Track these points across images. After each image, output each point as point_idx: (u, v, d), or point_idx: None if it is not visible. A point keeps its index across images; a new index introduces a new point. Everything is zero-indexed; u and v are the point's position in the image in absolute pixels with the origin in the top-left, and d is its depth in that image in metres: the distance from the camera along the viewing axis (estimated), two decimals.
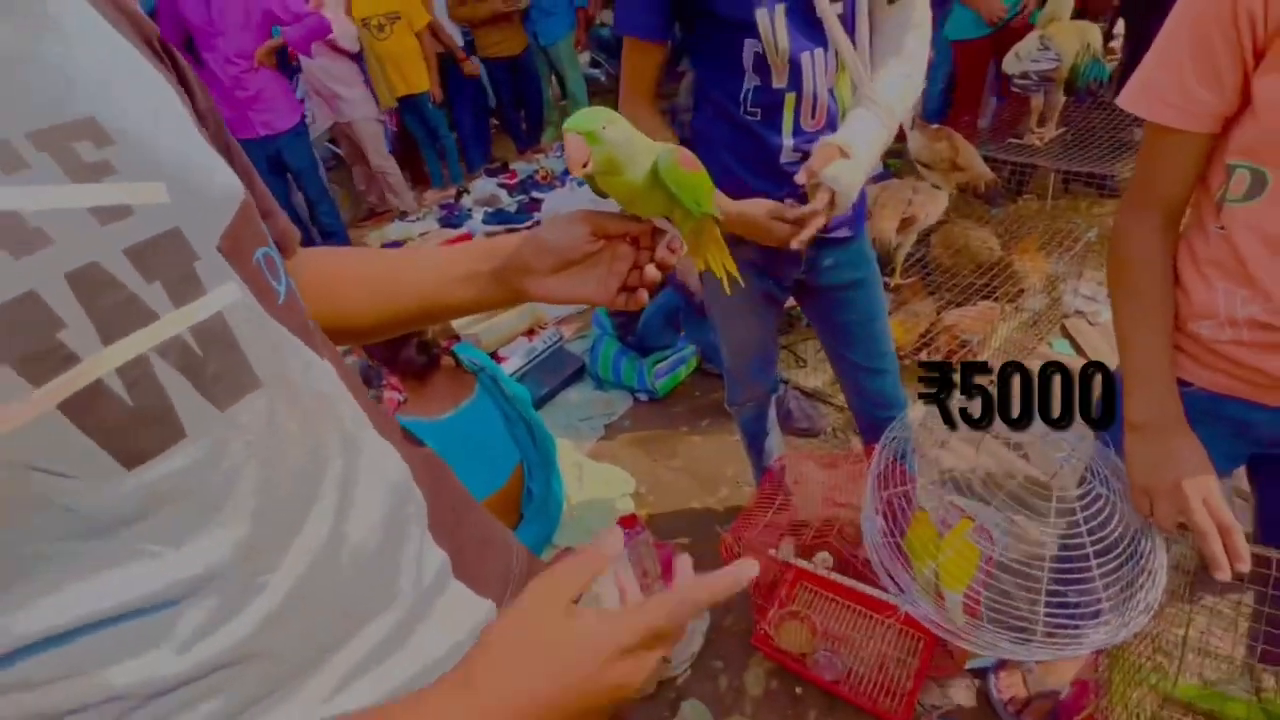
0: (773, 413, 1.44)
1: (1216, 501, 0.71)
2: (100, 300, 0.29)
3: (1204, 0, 0.65)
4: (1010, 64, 2.47)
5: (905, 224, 2.01)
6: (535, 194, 3.87)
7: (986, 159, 2.41)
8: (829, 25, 0.89)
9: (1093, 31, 2.30)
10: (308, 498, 0.37)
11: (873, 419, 1.27)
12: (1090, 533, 0.78)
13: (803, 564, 1.30)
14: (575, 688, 0.35)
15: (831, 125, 0.97)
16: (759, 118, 0.97)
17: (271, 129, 2.87)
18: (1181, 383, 0.78)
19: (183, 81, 0.41)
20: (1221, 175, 0.70)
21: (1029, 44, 2.38)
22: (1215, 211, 0.71)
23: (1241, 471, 0.93)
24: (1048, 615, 0.83)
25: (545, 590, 0.38)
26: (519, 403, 1.56)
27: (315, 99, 3.63)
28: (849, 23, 0.91)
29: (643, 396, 2.23)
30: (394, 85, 3.74)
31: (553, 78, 4.69)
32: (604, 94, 5.45)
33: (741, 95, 0.97)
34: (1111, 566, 0.82)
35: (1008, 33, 2.71)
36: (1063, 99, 2.45)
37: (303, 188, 3.19)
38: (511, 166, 4.32)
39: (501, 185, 4.10)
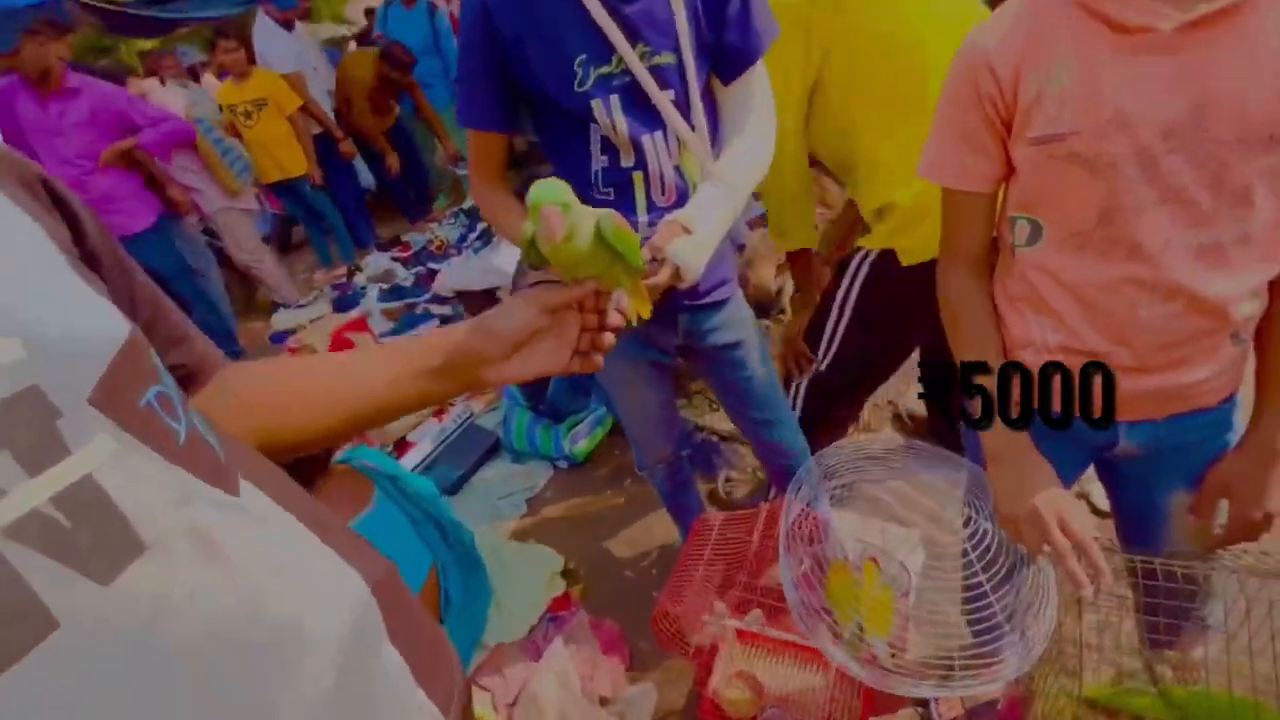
0: (687, 471, 1.44)
1: (1071, 521, 0.76)
2: None
3: (955, 82, 0.75)
4: None
5: (782, 269, 2.12)
6: (431, 265, 3.79)
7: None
8: (663, 110, 0.93)
9: None
10: (229, 656, 0.33)
11: (778, 467, 1.29)
12: (984, 569, 0.82)
13: (737, 624, 1.28)
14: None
15: (682, 200, 0.99)
16: (612, 197, 0.99)
17: (123, 231, 2.65)
18: None
19: (69, 219, 0.39)
20: (1008, 226, 0.80)
21: None
22: (1012, 255, 0.81)
23: (1090, 474, 1.00)
24: (960, 651, 0.86)
25: None
26: (424, 501, 1.47)
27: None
28: (683, 107, 0.95)
29: (563, 464, 2.18)
30: (266, 170, 3.59)
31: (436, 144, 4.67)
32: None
33: (592, 176, 0.99)
34: (1009, 597, 0.86)
35: None
36: None
37: (172, 289, 2.95)
38: (404, 239, 4.21)
39: (395, 259, 3.98)
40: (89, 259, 0.39)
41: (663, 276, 0.90)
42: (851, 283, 1.30)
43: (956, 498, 1.03)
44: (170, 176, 3.05)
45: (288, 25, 3.82)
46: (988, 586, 0.81)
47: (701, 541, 1.33)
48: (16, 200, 0.35)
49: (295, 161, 3.65)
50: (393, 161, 4.17)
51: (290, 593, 0.37)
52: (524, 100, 0.99)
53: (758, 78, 0.99)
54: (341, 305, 3.56)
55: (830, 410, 1.45)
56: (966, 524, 0.87)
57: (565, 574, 1.77)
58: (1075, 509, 0.78)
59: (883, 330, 1.33)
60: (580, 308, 0.56)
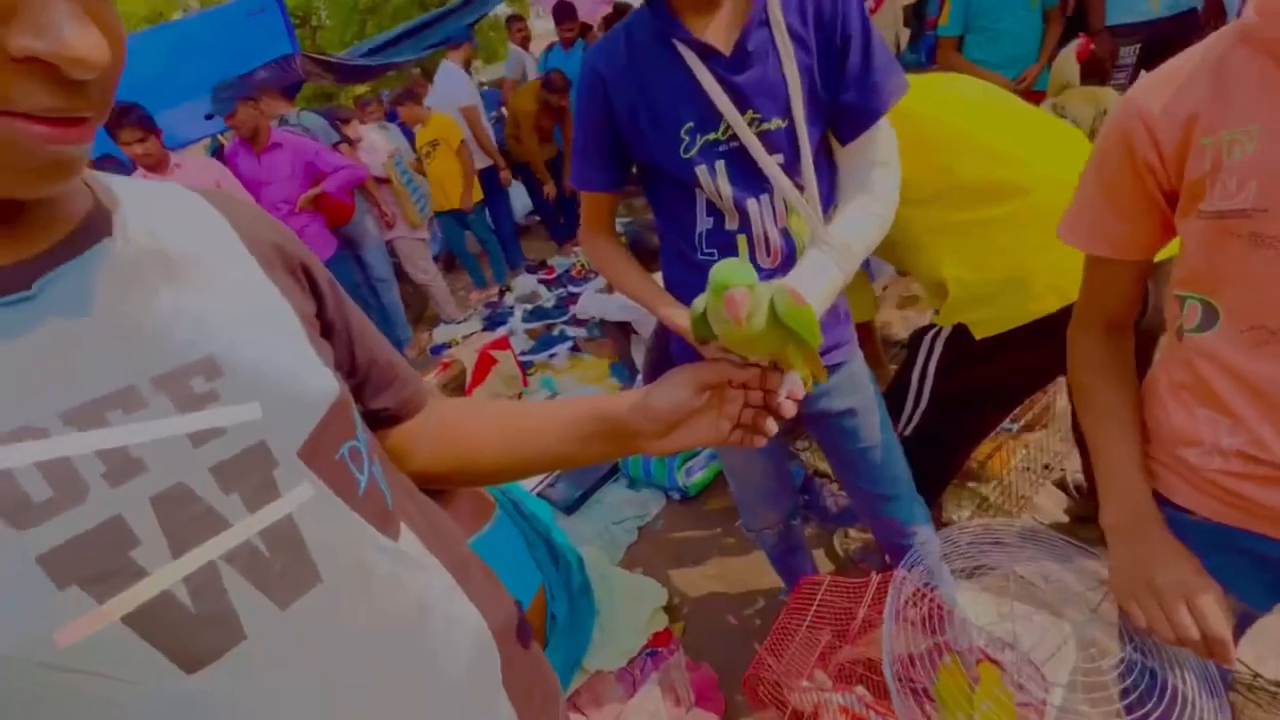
0: (798, 536, 1.38)
1: (1203, 604, 0.65)
2: (178, 516, 0.34)
3: (1109, 141, 0.67)
4: None
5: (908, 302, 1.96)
6: (572, 288, 4.03)
7: None
8: (771, 174, 0.92)
9: (1108, 96, 2.25)
10: (375, 682, 0.40)
11: (891, 545, 1.20)
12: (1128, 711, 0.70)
13: (839, 699, 1.21)
14: None
15: (789, 263, 0.97)
16: (715, 257, 0.99)
17: None
18: (1182, 510, 0.73)
19: (315, 295, 0.48)
20: (1176, 305, 0.69)
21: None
22: (1178, 337, 0.70)
23: None
24: None
25: None
26: (540, 523, 1.56)
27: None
28: (792, 169, 0.93)
29: (675, 495, 2.20)
30: (438, 202, 4.07)
31: None
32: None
33: (697, 238, 1.00)
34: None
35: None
36: None
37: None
38: (549, 263, 4.53)
39: (541, 281, 4.29)
40: (325, 328, 0.49)
41: None
42: (928, 360, 1.27)
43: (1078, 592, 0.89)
44: (380, 199, 3.64)
45: (465, 66, 4.34)
46: (1115, 692, 0.69)
47: (806, 602, 1.28)
48: (279, 284, 0.44)
49: (461, 194, 4.10)
50: (550, 189, 4.57)
51: (428, 632, 0.44)
52: (635, 163, 1.03)
53: (881, 135, 0.94)
54: (491, 323, 3.90)
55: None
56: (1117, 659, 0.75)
57: (667, 609, 1.78)
58: (1208, 592, 0.66)
59: (965, 406, 1.29)
60: (745, 385, 0.56)
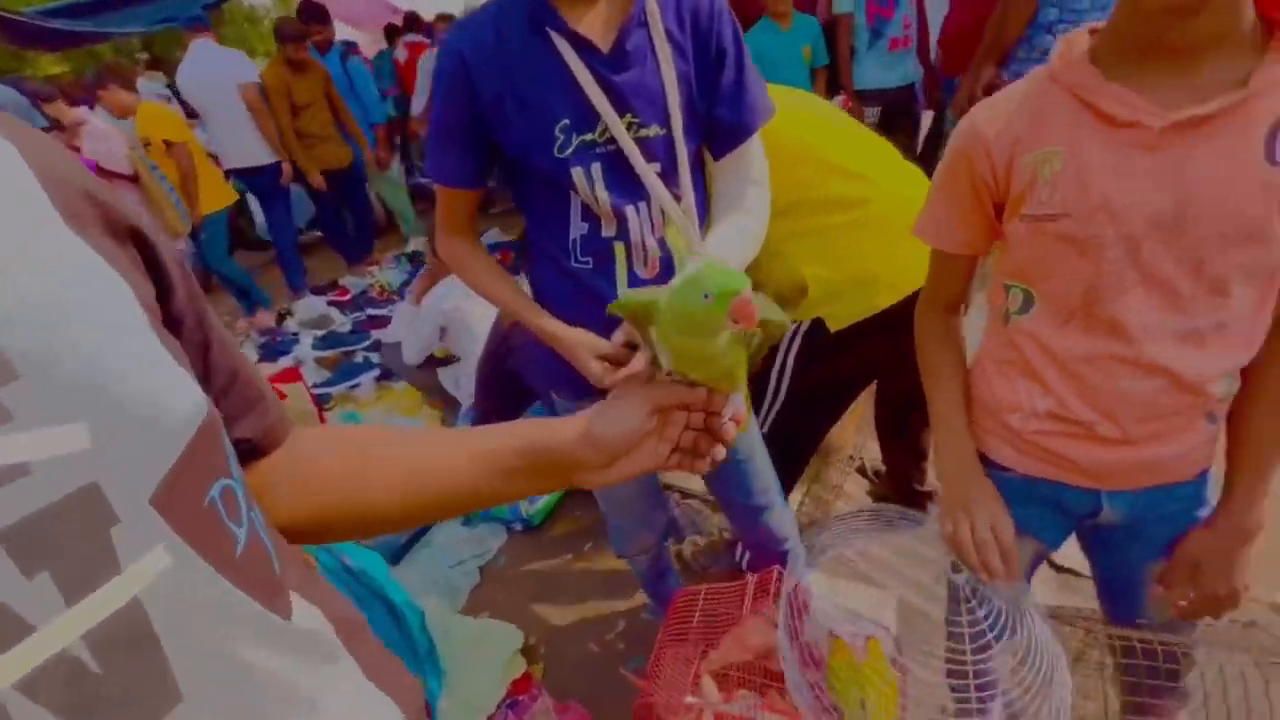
0: (667, 557, 1.37)
1: (1002, 527, 0.83)
2: None
3: (954, 156, 0.79)
4: None
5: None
6: (371, 311, 3.61)
7: None
8: (648, 182, 0.90)
9: None
10: None
11: (767, 552, 1.24)
12: (974, 640, 0.80)
13: (726, 708, 1.20)
14: None
15: (666, 273, 0.96)
16: (590, 266, 0.95)
17: None
18: (1001, 468, 0.88)
19: (157, 275, 0.33)
20: (1002, 292, 0.83)
21: None
22: (1004, 321, 0.84)
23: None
24: None
25: None
26: (369, 579, 1.32)
27: None
28: (670, 180, 0.93)
29: (517, 526, 2.05)
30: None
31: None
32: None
33: (570, 244, 0.95)
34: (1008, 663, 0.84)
35: None
36: None
37: None
38: (341, 283, 4.01)
39: (332, 304, 3.78)
40: (171, 321, 0.34)
41: (637, 364, 0.85)
42: (786, 356, 1.39)
43: (930, 559, 1.02)
44: None
45: None
46: (991, 636, 0.80)
47: (686, 616, 1.25)
48: (102, 251, 0.29)
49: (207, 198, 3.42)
50: (317, 181, 3.91)
51: None
52: (499, 158, 0.95)
53: (752, 153, 0.98)
54: (271, 353, 3.31)
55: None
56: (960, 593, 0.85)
57: (525, 650, 1.63)
58: (1007, 520, 0.84)
59: (816, 400, 1.43)
60: (688, 406, 0.52)
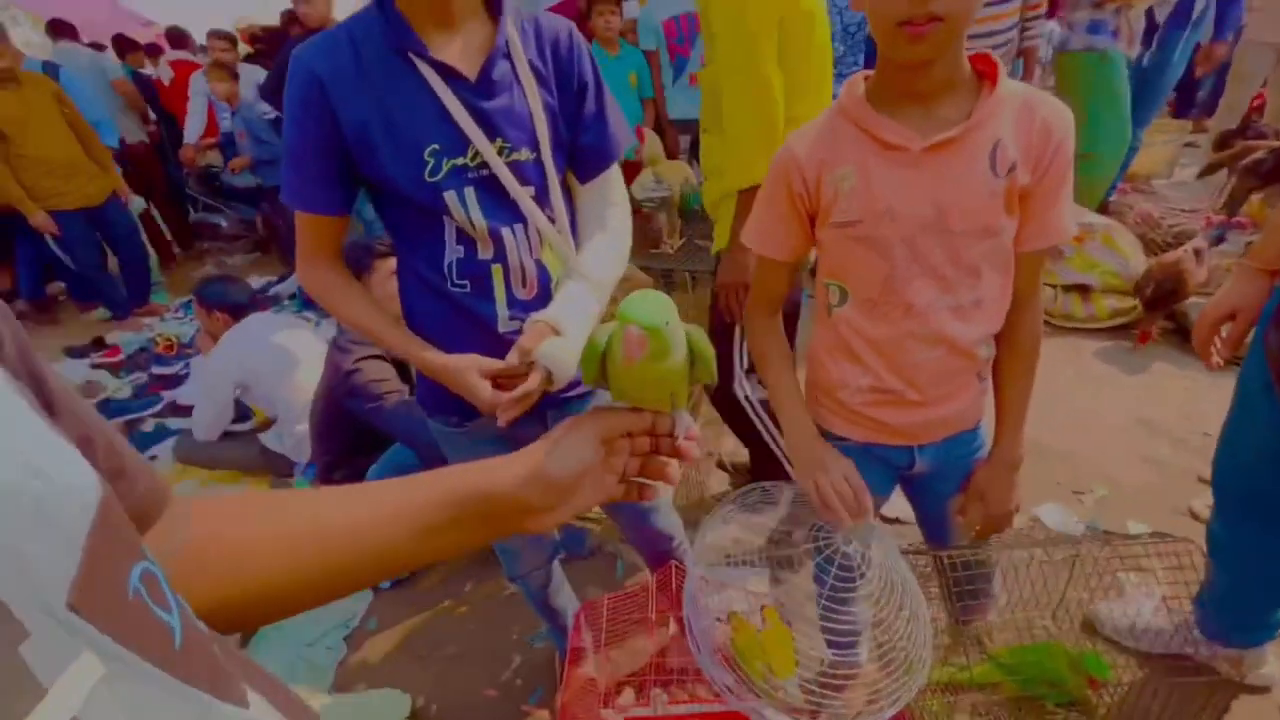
0: (560, 573, 1.36)
1: (850, 475, 0.97)
2: None
3: (774, 174, 0.94)
4: (636, 191, 3.02)
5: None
6: (157, 369, 3.06)
7: (643, 267, 2.87)
8: (523, 205, 0.93)
9: (684, 168, 2.98)
10: None
11: (656, 552, 1.30)
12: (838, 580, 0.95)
13: (644, 712, 1.23)
14: None
15: (544, 293, 0.99)
16: (469, 289, 0.95)
17: None
18: (838, 438, 1.05)
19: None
20: (824, 290, 0.99)
21: (646, 178, 2.96)
22: (828, 314, 1.00)
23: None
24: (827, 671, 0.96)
25: None
26: None
27: None
28: (543, 202, 0.96)
29: (385, 584, 1.89)
30: None
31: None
32: (229, 239, 4.75)
33: (446, 267, 0.94)
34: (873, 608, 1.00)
35: (625, 167, 3.38)
36: (678, 219, 3.08)
37: None
38: (111, 342, 3.35)
39: (98, 367, 3.14)
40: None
41: (534, 382, 0.87)
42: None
43: (784, 517, 1.18)
44: None
45: None
46: (894, 610, 0.93)
47: (594, 629, 1.27)
48: None
49: None
50: (40, 221, 3.26)
51: None
52: (363, 182, 0.92)
53: (614, 178, 1.05)
54: None
55: None
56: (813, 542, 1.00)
57: (415, 714, 1.51)
58: (854, 470, 0.98)
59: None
60: (632, 432, 0.50)
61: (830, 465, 0.98)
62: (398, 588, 1.89)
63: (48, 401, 0.31)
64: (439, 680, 1.61)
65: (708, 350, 0.52)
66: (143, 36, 5.45)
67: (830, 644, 1.04)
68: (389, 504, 0.45)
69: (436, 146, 0.86)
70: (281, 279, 4.02)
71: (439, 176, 0.87)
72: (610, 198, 1.05)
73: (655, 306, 0.47)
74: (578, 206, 1.05)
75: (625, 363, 0.47)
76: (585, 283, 0.98)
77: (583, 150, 0.99)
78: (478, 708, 1.54)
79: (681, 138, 3.48)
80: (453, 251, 0.93)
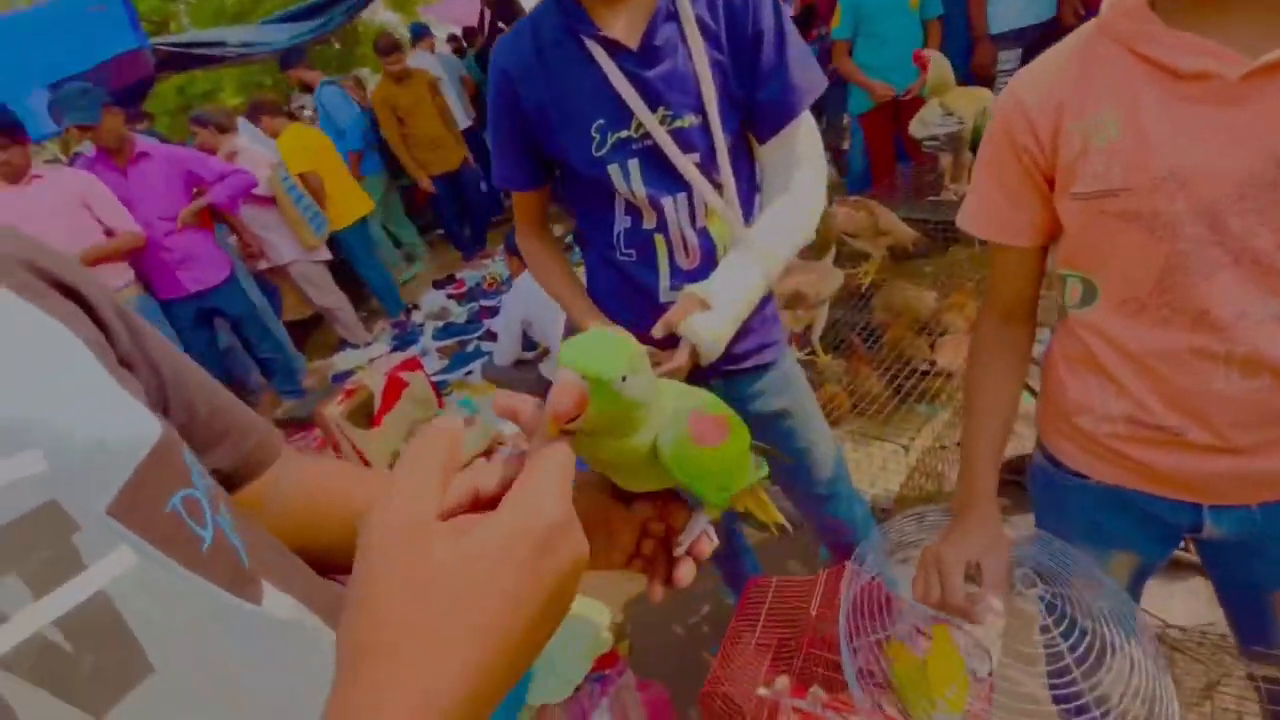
0: (740, 538, 1.36)
1: (950, 578, 0.74)
2: None
3: (994, 131, 0.70)
4: (917, 129, 2.59)
5: (793, 302, 2.02)
6: (484, 301, 3.87)
7: (911, 219, 2.49)
8: (686, 173, 0.89)
9: (986, 95, 2.44)
10: None
11: (836, 543, 1.20)
12: (1067, 641, 0.72)
13: (798, 704, 1.18)
14: (521, 609, 0.27)
15: (708, 263, 0.95)
16: (634, 258, 0.96)
17: (202, 284, 2.83)
18: (1079, 475, 0.78)
19: (94, 316, 0.38)
20: (1060, 284, 0.74)
21: (932, 111, 2.51)
22: (1066, 315, 0.74)
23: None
24: None
25: (399, 533, 0.27)
26: None
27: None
28: (709, 168, 0.91)
29: None
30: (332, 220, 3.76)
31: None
32: None
33: (614, 237, 0.96)
34: (1105, 677, 0.75)
35: (903, 105, 2.91)
36: (970, 157, 2.56)
37: (243, 332, 3.13)
38: (458, 277, 4.33)
39: (450, 296, 4.09)
40: (123, 363, 0.39)
41: (678, 360, 0.85)
42: None
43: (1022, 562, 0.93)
44: (245, 225, 3.24)
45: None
46: (1070, 660, 0.71)
47: (755, 607, 1.25)
48: (48, 309, 0.34)
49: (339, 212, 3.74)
50: (425, 184, 4.27)
51: (310, 707, 0.34)
52: (549, 162, 0.99)
53: (802, 132, 0.93)
54: (401, 343, 3.67)
55: None
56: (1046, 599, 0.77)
57: (612, 628, 1.70)
58: (955, 571, 0.75)
59: None
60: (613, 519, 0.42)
61: (939, 555, 0.77)
62: None
63: (158, 382, 0.42)
64: (637, 606, 1.79)
65: (687, 455, 0.36)
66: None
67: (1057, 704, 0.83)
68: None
69: (602, 121, 0.88)
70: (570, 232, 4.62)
71: (604, 151, 0.89)
72: (794, 155, 0.94)
73: (608, 352, 0.32)
74: (763, 166, 0.97)
75: (555, 416, 0.31)
76: (750, 253, 0.92)
77: (761, 106, 0.90)
78: (664, 642, 1.67)
79: (1006, 53, 2.83)
80: (621, 222, 0.96)
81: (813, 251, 2.19)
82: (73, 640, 0.28)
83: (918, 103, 2.64)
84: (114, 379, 0.34)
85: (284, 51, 4.56)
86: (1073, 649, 0.73)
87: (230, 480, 0.46)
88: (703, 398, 0.39)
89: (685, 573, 0.41)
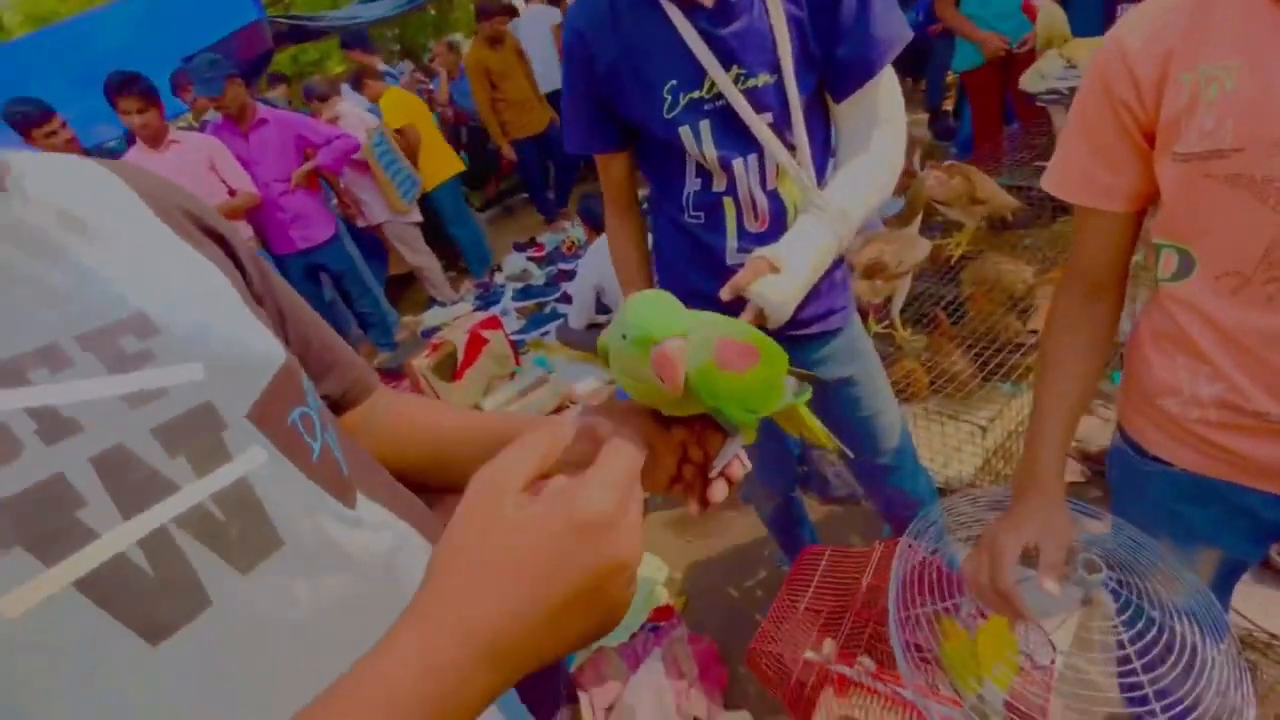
0: (798, 509, 1.36)
1: (998, 559, 0.70)
2: (123, 479, 0.31)
3: (1089, 85, 0.64)
4: (1033, 83, 2.36)
5: (873, 272, 1.92)
6: (562, 265, 3.96)
7: (1015, 186, 2.30)
8: (759, 133, 0.87)
9: None
10: (347, 644, 0.34)
11: (896, 516, 1.18)
12: (1130, 633, 0.68)
13: (844, 670, 1.19)
14: (548, 583, 0.29)
15: (778, 227, 0.93)
16: (702, 221, 0.96)
17: (310, 242, 3.08)
18: (1161, 462, 0.73)
19: (234, 258, 0.45)
20: (1153, 254, 0.68)
21: (1051, 63, 2.28)
22: (1158, 288, 0.69)
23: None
24: None
25: (488, 486, 0.32)
26: None
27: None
28: (782, 128, 0.88)
29: None
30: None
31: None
32: None
33: (684, 199, 0.96)
34: (1174, 674, 0.71)
35: (1013, 60, 2.66)
36: None
37: (344, 287, 3.38)
38: (539, 240, 4.44)
39: (531, 259, 4.22)
40: (255, 298, 0.46)
41: (745, 319, 0.84)
42: None
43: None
44: (345, 189, 3.48)
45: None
46: (1132, 651, 0.68)
47: (808, 574, 1.26)
48: (199, 248, 0.41)
49: (431, 172, 3.88)
50: (507, 152, 4.35)
51: (400, 592, 0.39)
52: (623, 125, 0.98)
53: (883, 90, 0.89)
54: (484, 303, 3.84)
55: None
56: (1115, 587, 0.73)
57: (669, 584, 1.77)
58: (1005, 554, 0.70)
59: None
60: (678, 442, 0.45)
61: (992, 537, 0.73)
62: None
63: (280, 317, 0.49)
64: (695, 565, 1.83)
65: (713, 379, 0.38)
66: None
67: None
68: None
69: (674, 82, 0.87)
70: None
71: (676, 112, 0.88)
72: (875, 114, 0.90)
73: (664, 306, 0.36)
74: (838, 127, 0.94)
75: (670, 388, 0.36)
76: (823, 215, 0.89)
77: (838, 63, 0.87)
78: (717, 601, 1.71)
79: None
80: (691, 184, 0.95)
81: (898, 219, 2.08)
82: (224, 512, 0.34)
83: (1030, 58, 2.41)
84: (250, 311, 0.41)
85: (347, 32, 4.72)
86: (1136, 640, 0.69)
87: (336, 406, 0.54)
88: (734, 326, 0.41)
89: (717, 491, 0.44)
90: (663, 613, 1.68)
